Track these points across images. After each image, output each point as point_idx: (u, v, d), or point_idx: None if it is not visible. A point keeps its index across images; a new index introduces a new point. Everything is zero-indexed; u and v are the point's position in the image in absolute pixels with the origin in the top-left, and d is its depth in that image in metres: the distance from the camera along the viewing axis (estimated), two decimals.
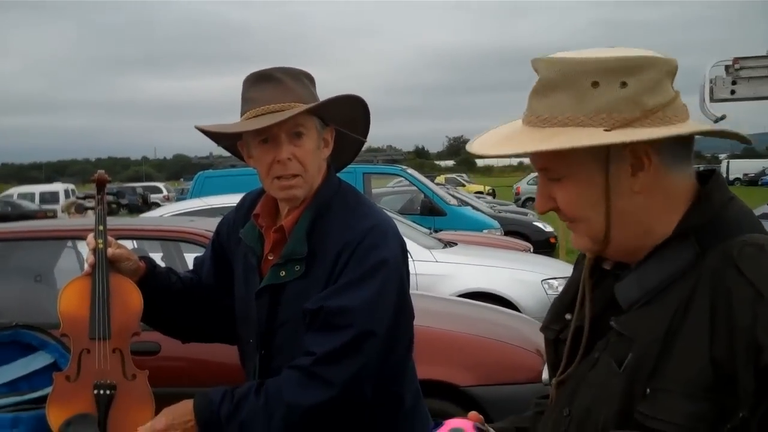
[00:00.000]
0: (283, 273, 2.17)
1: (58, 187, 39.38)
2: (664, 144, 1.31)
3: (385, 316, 2.09)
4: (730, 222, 1.33)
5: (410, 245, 8.07)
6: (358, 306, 2.06)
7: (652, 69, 1.30)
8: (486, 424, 1.54)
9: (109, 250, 2.28)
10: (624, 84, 1.29)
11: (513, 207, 23.92)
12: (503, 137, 1.41)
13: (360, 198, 2.30)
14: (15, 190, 41.30)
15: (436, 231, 10.56)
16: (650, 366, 1.25)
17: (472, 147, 1.43)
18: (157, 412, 2.15)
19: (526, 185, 35.85)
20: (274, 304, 2.20)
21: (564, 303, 1.53)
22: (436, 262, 7.98)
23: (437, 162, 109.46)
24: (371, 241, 2.12)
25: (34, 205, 32.25)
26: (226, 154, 2.54)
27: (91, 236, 2.32)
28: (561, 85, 1.32)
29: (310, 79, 2.25)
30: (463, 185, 37.82)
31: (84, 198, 2.96)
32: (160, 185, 51.37)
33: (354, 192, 2.30)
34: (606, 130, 1.28)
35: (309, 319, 2.09)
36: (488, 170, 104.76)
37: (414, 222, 10.49)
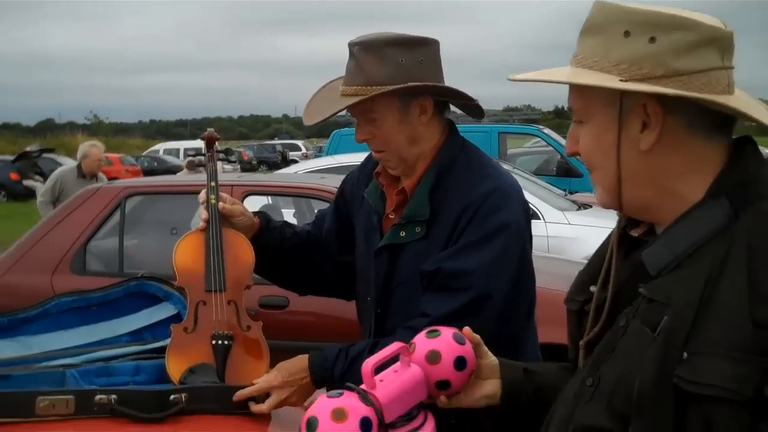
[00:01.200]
0: (403, 233, 2.15)
1: (201, 143, 40.51)
2: (683, 107, 1.28)
3: (504, 280, 2.04)
4: (765, 183, 1.30)
5: (543, 207, 7.93)
6: (476, 269, 2.01)
7: (689, 32, 1.26)
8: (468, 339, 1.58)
9: (222, 205, 2.32)
10: (653, 39, 1.26)
11: None
12: (554, 72, 1.40)
13: (483, 159, 2.24)
14: (161, 146, 42.83)
15: (571, 193, 10.35)
16: (686, 330, 1.20)
17: (529, 75, 1.43)
18: (274, 364, 2.17)
19: None
20: (393, 263, 2.18)
21: (590, 274, 1.50)
22: (569, 224, 7.82)
23: None
24: (493, 203, 2.07)
25: (178, 161, 33.33)
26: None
27: (203, 192, 2.37)
28: (600, 29, 1.32)
29: (400, 47, 2.13)
30: None
31: (195, 155, 3.02)
32: (299, 143, 52.28)
33: (477, 153, 2.24)
34: (621, 80, 1.27)
35: (426, 281, 2.07)
36: None
37: (549, 183, 10.31)
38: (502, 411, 1.64)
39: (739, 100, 1.31)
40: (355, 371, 1.99)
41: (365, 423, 1.41)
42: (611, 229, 1.54)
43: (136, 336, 2.21)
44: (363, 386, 1.47)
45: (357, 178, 2.43)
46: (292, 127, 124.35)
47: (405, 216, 2.16)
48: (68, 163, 7.95)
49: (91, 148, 8.06)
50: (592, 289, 1.45)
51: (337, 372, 2.08)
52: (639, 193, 1.34)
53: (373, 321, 2.24)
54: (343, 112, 2.21)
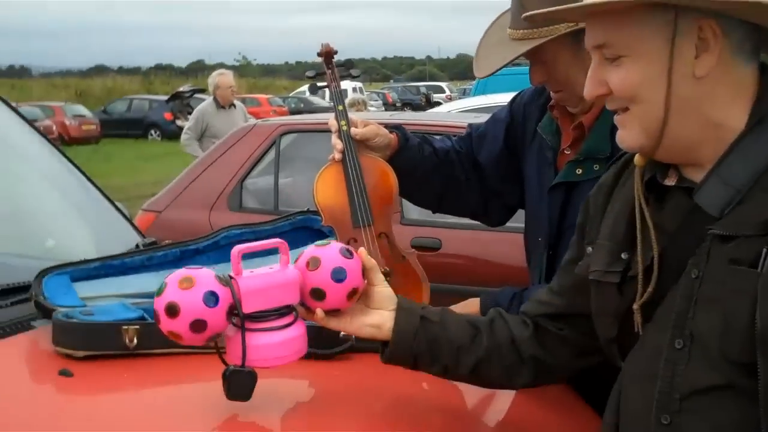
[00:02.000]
0: (580, 171, 2.05)
1: (346, 84, 40.91)
2: (734, 29, 1.23)
3: None
4: None
5: None
6: None
7: None
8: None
9: (355, 131, 2.18)
10: None
11: None
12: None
13: None
14: (307, 87, 43.45)
15: None
16: None
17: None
18: (433, 302, 2.12)
19: None
20: (566, 202, 2.08)
21: (615, 241, 1.39)
22: None
23: None
24: None
25: (324, 102, 33.73)
26: None
27: (332, 118, 2.24)
28: None
29: None
30: None
31: (314, 76, 2.83)
32: (443, 85, 51.99)
33: None
34: None
35: None
36: None
37: None
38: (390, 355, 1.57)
39: None
40: None
41: (209, 296, 1.40)
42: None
43: None
44: (230, 273, 1.48)
45: (528, 108, 2.31)
46: (435, 68, 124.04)
47: (583, 152, 2.06)
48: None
49: (219, 77, 8.10)
50: (624, 255, 1.36)
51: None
52: (685, 128, 1.27)
53: (544, 261, 2.15)
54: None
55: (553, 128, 2.17)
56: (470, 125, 2.45)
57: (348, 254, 1.53)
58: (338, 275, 1.50)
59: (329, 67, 2.39)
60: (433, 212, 2.62)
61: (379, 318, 1.57)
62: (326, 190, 2.17)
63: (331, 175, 2.18)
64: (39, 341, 1.78)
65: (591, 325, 1.48)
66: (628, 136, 1.32)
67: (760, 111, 1.26)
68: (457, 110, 8.47)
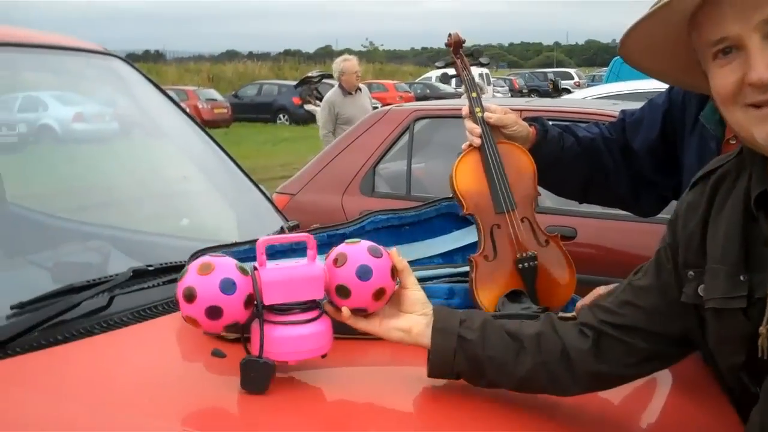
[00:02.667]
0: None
1: (473, 71, 40.57)
2: None
3: None
4: None
5: None
6: None
7: None
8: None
9: (491, 114, 2.13)
10: None
11: None
12: None
13: None
14: (433, 73, 43.39)
15: None
16: None
17: None
18: None
19: None
20: None
21: (731, 264, 1.28)
22: None
23: None
24: None
25: (450, 88, 33.66)
26: None
27: (466, 107, 2.18)
28: None
29: None
30: None
31: (444, 66, 2.80)
32: (571, 71, 51.08)
33: None
34: None
35: None
36: None
37: None
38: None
39: None
40: None
41: (226, 283, 1.42)
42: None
43: (447, 258, 2.17)
44: (255, 263, 1.49)
45: (688, 95, 2.18)
46: (562, 54, 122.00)
47: None
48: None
49: (344, 63, 8.05)
50: (743, 278, 1.25)
51: None
52: None
53: None
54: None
55: (717, 117, 2.06)
56: (623, 111, 2.36)
57: (377, 253, 1.52)
58: (364, 273, 1.48)
59: (458, 56, 2.35)
60: (579, 203, 2.55)
61: (407, 322, 1.54)
62: (466, 176, 2.13)
63: (469, 162, 2.14)
64: None
65: (658, 341, 1.43)
66: None
67: None
68: (593, 97, 8.29)
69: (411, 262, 2.10)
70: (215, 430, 1.37)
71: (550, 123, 2.27)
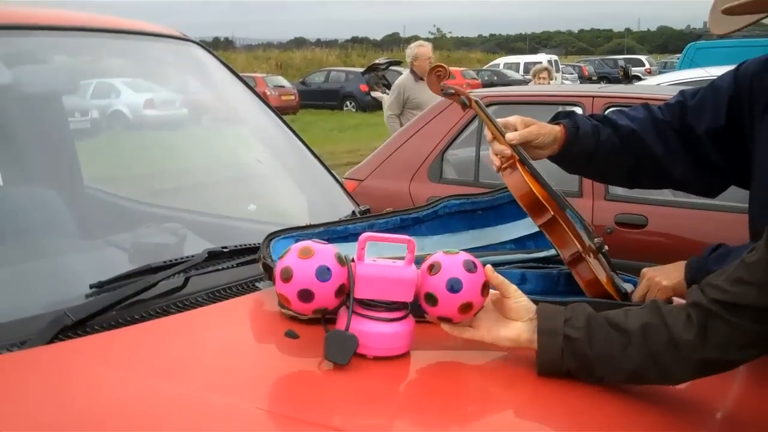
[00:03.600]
0: None
1: (541, 57, 40.28)
2: None
3: None
4: None
5: None
6: None
7: None
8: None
9: (512, 135, 1.99)
10: None
11: None
12: None
13: None
14: (501, 60, 43.17)
15: None
16: None
17: None
18: None
19: None
20: None
21: None
22: None
23: None
24: None
25: (518, 75, 33.45)
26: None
27: (489, 133, 2.07)
28: None
29: None
30: None
31: (461, 105, 2.67)
32: (642, 58, 50.20)
33: None
34: None
35: None
36: None
37: None
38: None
39: None
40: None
41: (322, 270, 1.48)
42: None
43: (519, 244, 2.16)
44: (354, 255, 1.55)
45: (757, 81, 2.07)
46: (633, 41, 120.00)
47: None
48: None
49: (418, 48, 8.03)
50: None
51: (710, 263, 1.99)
52: None
53: None
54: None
55: None
56: (682, 92, 2.26)
57: (471, 267, 1.54)
58: (454, 286, 1.51)
59: (451, 94, 2.19)
60: (630, 188, 2.50)
61: (514, 331, 1.56)
62: (536, 187, 1.98)
63: (518, 180, 1.99)
64: (265, 302, 1.83)
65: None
66: None
67: None
68: (667, 83, 8.16)
69: (483, 247, 2.11)
70: (289, 410, 1.38)
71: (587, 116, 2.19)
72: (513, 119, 2.06)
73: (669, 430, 1.48)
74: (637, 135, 2.16)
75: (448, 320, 1.57)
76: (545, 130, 2.07)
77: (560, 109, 2.19)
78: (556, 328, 1.52)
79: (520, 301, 1.57)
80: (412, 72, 7.98)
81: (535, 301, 1.60)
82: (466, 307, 1.54)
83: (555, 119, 2.14)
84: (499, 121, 2.06)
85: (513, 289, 1.58)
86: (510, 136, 2.01)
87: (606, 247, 2.07)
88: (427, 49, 8.12)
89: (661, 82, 8.60)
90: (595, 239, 2.06)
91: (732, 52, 8.88)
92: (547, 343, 1.51)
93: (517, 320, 1.57)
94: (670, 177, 2.23)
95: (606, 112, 2.22)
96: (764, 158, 2.07)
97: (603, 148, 2.14)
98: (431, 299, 1.54)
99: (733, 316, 1.43)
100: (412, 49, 8.14)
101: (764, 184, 2.07)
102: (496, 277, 1.57)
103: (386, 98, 8.46)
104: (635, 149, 2.17)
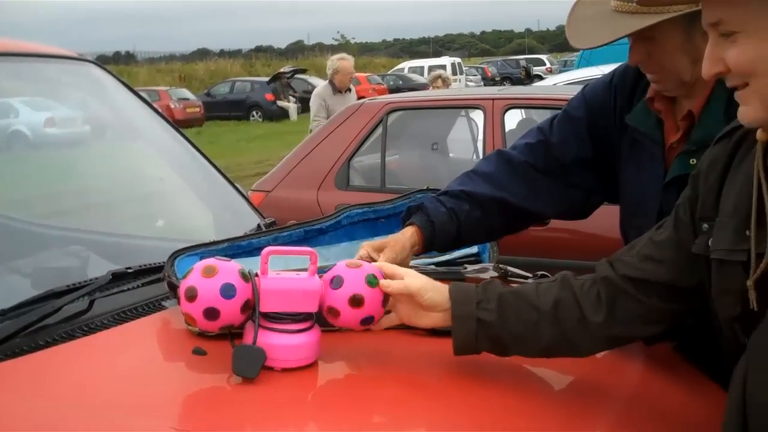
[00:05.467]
0: (695, 161, 1.89)
1: (445, 60, 40.70)
2: None
3: None
4: None
5: None
6: None
7: None
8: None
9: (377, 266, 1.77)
10: None
11: None
12: None
13: None
14: (406, 65, 43.42)
15: None
16: None
17: None
18: None
19: None
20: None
21: (740, 219, 1.36)
22: None
23: None
24: None
25: (423, 79, 33.68)
26: None
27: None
28: None
29: None
30: None
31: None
32: (543, 57, 51.23)
33: None
34: None
35: None
36: None
37: None
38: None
39: None
40: None
41: (226, 287, 1.50)
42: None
43: None
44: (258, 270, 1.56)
45: (611, 99, 2.16)
46: (534, 41, 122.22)
47: (694, 141, 1.91)
48: (319, 84, 8.00)
49: (341, 62, 7.94)
50: (748, 233, 1.33)
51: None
52: None
53: None
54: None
55: (652, 121, 2.04)
56: (541, 129, 2.26)
57: (373, 282, 1.58)
58: (355, 301, 1.56)
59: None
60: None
61: (432, 320, 1.62)
62: None
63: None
64: (171, 321, 1.83)
65: (674, 295, 1.52)
66: (750, 111, 1.31)
67: None
68: (564, 82, 8.35)
69: None
70: (201, 428, 1.39)
71: (439, 192, 2.17)
72: (362, 252, 1.97)
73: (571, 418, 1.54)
74: (496, 199, 2.16)
75: (349, 330, 1.62)
76: (398, 246, 1.99)
77: (462, 112, 2.23)
78: (469, 312, 1.57)
79: (429, 297, 1.61)
80: (331, 83, 7.89)
81: (447, 280, 1.66)
82: (367, 321, 1.60)
83: (407, 217, 2.10)
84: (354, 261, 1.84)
85: (416, 289, 1.60)
86: (385, 284, 1.74)
87: (509, 269, 2.14)
88: (349, 63, 8.04)
89: (557, 82, 8.79)
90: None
91: (626, 49, 9.12)
92: (461, 328, 1.57)
93: (432, 312, 1.61)
94: (544, 215, 2.28)
95: (459, 180, 2.18)
96: (629, 174, 2.13)
97: (466, 225, 2.13)
98: (333, 312, 1.58)
99: (642, 293, 1.54)
100: (333, 62, 8.04)
101: (632, 198, 2.12)
102: (397, 287, 1.60)
103: (292, 106, 8.44)
104: (500, 211, 2.17)
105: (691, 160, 1.91)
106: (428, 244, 2.07)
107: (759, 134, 1.34)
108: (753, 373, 1.32)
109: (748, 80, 1.29)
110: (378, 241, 1.99)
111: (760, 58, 1.26)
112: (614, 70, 2.22)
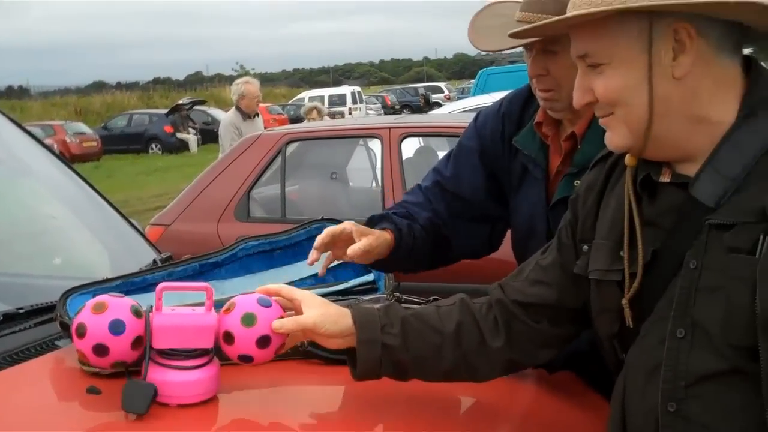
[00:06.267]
0: (578, 183, 2.01)
1: (345, 89, 40.91)
2: (713, 27, 1.27)
3: None
4: None
5: None
6: None
7: None
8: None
9: (354, 251, 1.99)
10: None
11: None
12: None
13: None
14: (306, 94, 43.44)
15: None
16: None
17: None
18: None
19: None
20: None
21: (615, 240, 1.43)
22: None
23: None
24: None
25: (323, 107, 33.64)
26: (507, 51, 2.33)
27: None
28: None
29: None
30: None
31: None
32: (441, 85, 52.00)
33: None
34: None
35: None
36: None
37: None
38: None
39: None
40: None
41: (115, 324, 1.48)
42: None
43: (320, 279, 2.22)
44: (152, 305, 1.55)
45: (499, 125, 2.23)
46: (432, 69, 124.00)
47: (578, 164, 1.99)
48: (218, 115, 7.87)
49: (246, 86, 7.65)
50: (622, 254, 1.40)
51: None
52: (671, 127, 1.31)
53: None
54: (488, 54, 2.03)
55: (537, 144, 2.12)
56: (436, 169, 2.32)
57: (266, 302, 1.58)
58: (248, 321, 1.54)
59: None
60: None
61: (336, 344, 1.58)
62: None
63: None
64: (65, 360, 1.80)
65: (563, 317, 1.57)
66: (616, 137, 1.38)
67: (750, 103, 1.30)
68: (459, 110, 8.49)
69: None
70: None
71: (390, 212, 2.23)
72: (348, 228, 2.04)
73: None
74: (433, 221, 2.24)
75: (248, 359, 1.57)
76: (380, 240, 2.08)
77: (360, 141, 2.26)
78: (374, 337, 1.56)
79: (326, 330, 1.56)
80: (238, 109, 7.59)
81: (347, 305, 1.63)
82: (263, 341, 1.54)
83: (371, 224, 2.15)
84: (335, 228, 2.04)
85: (312, 325, 1.56)
86: (350, 252, 1.99)
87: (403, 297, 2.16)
88: (254, 87, 7.75)
89: (453, 110, 8.93)
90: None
91: (521, 76, 9.31)
92: (366, 353, 1.56)
93: (333, 339, 1.58)
94: (467, 248, 2.32)
95: (402, 204, 2.27)
96: (518, 196, 2.20)
97: (418, 242, 2.19)
98: (228, 337, 1.55)
99: (532, 318, 1.58)
100: (239, 86, 7.70)
101: (522, 219, 2.19)
102: (291, 326, 1.56)
103: (192, 138, 8.30)
104: (434, 235, 2.23)
105: (575, 182, 1.97)
106: (396, 250, 2.12)
107: (627, 159, 1.41)
108: (629, 385, 1.38)
109: (614, 109, 1.35)
110: (364, 227, 2.07)
111: (625, 89, 1.32)
112: (503, 98, 2.29)
